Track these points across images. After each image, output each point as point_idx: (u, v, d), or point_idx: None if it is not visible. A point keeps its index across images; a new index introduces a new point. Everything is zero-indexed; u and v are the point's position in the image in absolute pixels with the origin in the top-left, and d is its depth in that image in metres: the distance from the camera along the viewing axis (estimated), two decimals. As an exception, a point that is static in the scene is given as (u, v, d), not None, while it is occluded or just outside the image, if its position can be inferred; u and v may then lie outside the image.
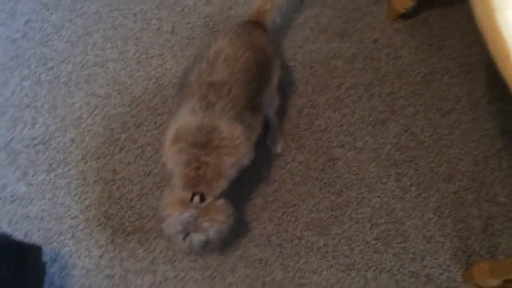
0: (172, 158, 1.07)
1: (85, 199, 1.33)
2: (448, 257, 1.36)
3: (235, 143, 1.05)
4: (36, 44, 1.52)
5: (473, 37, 1.59)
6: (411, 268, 1.34)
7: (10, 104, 1.43)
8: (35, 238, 1.28)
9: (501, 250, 1.36)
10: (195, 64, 1.13)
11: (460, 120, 1.50)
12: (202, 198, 1.04)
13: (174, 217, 1.02)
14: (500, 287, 1.25)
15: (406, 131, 1.47)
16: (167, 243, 1.32)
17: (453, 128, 1.49)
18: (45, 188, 1.33)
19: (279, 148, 1.42)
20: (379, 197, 1.40)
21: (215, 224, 1.03)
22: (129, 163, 1.38)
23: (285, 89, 1.48)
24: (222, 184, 1.06)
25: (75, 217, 1.31)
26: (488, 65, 1.55)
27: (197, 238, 1.03)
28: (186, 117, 1.05)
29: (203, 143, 1.03)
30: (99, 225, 1.31)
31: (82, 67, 1.49)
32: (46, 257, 1.25)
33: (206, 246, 1.06)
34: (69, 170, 1.36)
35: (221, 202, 1.06)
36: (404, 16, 1.59)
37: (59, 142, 1.39)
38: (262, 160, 1.37)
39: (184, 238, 1.03)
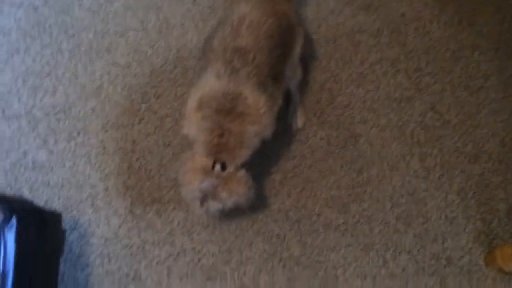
0: (195, 125, 1.05)
1: (104, 169, 1.33)
2: (470, 240, 1.33)
3: (260, 112, 1.03)
4: (57, 12, 1.50)
5: (505, 13, 1.52)
6: (432, 250, 1.32)
7: (31, 72, 1.42)
8: (55, 205, 1.29)
9: (526, 234, 1.32)
10: (218, 29, 1.10)
11: (488, 99, 1.44)
12: (223, 167, 1.02)
13: (194, 185, 1.01)
14: (524, 271, 1.23)
15: (432, 109, 1.43)
16: (185, 215, 1.31)
17: (481, 107, 1.44)
18: (66, 156, 1.34)
19: (300, 123, 1.39)
20: (401, 176, 1.37)
21: (233, 195, 1.02)
22: (148, 134, 1.37)
23: (308, 62, 1.44)
24: (244, 154, 1.04)
25: (94, 186, 1.32)
26: (521, 43, 1.49)
27: (214, 206, 1.03)
28: (211, 83, 1.03)
29: (227, 109, 1.01)
30: (118, 195, 1.32)
31: (103, 35, 1.47)
32: (65, 225, 1.26)
33: (222, 213, 1.06)
34: (89, 139, 1.35)
35: (242, 173, 1.04)
36: (434, -10, 1.53)
37: (80, 111, 1.38)
38: (282, 135, 1.35)
39: (202, 204, 1.03)
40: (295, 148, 1.39)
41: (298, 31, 1.21)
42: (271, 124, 1.09)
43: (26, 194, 1.29)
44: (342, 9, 1.52)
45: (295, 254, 1.31)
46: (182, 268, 1.28)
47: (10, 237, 0.94)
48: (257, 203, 1.30)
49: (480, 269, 1.31)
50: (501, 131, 1.41)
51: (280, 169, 1.37)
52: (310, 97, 1.43)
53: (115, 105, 1.39)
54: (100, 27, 1.48)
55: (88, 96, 1.40)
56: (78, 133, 1.36)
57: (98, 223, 1.29)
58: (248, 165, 1.08)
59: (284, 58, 1.14)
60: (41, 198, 1.29)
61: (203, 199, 1.03)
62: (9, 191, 1.28)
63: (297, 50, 1.21)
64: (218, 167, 1.02)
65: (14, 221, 0.95)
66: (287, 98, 1.31)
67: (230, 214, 1.24)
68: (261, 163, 1.31)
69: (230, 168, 1.03)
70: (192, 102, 1.06)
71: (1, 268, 0.91)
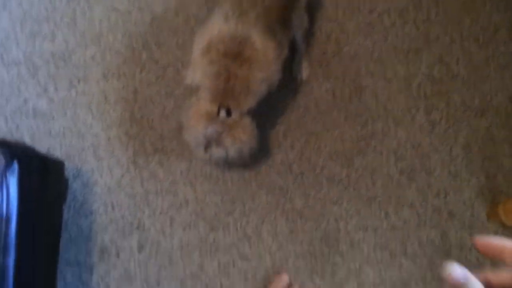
0: (201, 70, 1.03)
1: (106, 118, 1.31)
2: (473, 195, 1.33)
3: (268, 58, 1.00)
4: (53, -45, 1.44)
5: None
6: (434, 204, 1.32)
7: (28, 17, 1.37)
8: (57, 154, 1.28)
9: (529, 189, 1.32)
10: None
11: (498, 52, 1.41)
12: (229, 113, 1.01)
13: (198, 130, 1.00)
14: (525, 224, 1.23)
15: (440, 62, 1.39)
16: (188, 166, 1.31)
17: (490, 61, 1.40)
18: (66, 104, 1.31)
19: (305, 75, 1.36)
20: (406, 130, 1.35)
21: (237, 142, 1.01)
22: (150, 84, 1.34)
23: (314, 11, 1.39)
24: (250, 100, 1.02)
25: (96, 135, 1.30)
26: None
27: (217, 153, 1.02)
28: (219, 25, 1.00)
29: (235, 53, 0.98)
30: (120, 145, 1.30)
31: (102, -19, 1.42)
32: (68, 174, 1.25)
33: (225, 162, 1.05)
34: (90, 87, 1.33)
35: (247, 120, 1.03)
36: None
37: (79, 58, 1.34)
38: (286, 87, 1.32)
39: (205, 150, 1.02)
40: (299, 100, 1.36)
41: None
42: (279, 71, 1.06)
43: (28, 142, 1.27)
44: (351, -44, 1.46)
45: (297, 206, 1.31)
46: (185, 218, 1.29)
47: (13, 181, 0.92)
48: (260, 155, 1.30)
49: (482, 224, 1.31)
50: (510, 85, 1.39)
51: (283, 121, 1.35)
52: (316, 48, 1.39)
53: (115, 54, 1.35)
54: (99, -28, 1.43)
55: (88, 43, 1.36)
56: (79, 81, 1.33)
57: (101, 172, 1.29)
58: (253, 114, 1.06)
59: (292, 4, 1.10)
60: (43, 147, 1.27)
61: (207, 145, 1.01)
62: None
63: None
64: (223, 113, 1.01)
65: (16, 166, 0.94)
66: (293, 49, 1.27)
67: (233, 165, 1.24)
68: (265, 114, 1.29)
69: (235, 115, 1.02)
70: (198, 45, 1.03)
71: (4, 212, 0.90)
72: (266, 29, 0.99)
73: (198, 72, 1.03)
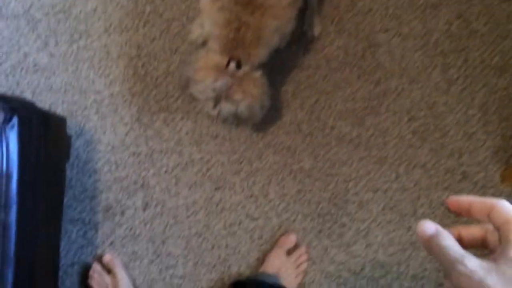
0: (210, 17, 0.97)
1: (109, 74, 1.27)
2: (488, 156, 1.28)
3: (282, 3, 0.94)
4: None
5: None
6: (447, 165, 1.28)
7: (26, -32, 1.31)
8: (59, 111, 1.25)
9: (547, 151, 1.27)
10: None
11: (522, 8, 1.33)
12: (239, 65, 0.95)
13: (207, 83, 0.95)
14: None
15: (459, 18, 1.32)
16: (193, 125, 1.27)
17: (511, 17, 1.32)
18: (68, 60, 1.27)
19: (316, 31, 1.30)
20: (421, 88, 1.30)
21: (248, 97, 0.96)
22: (154, 39, 1.29)
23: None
24: (261, 52, 0.97)
25: (99, 91, 1.26)
26: None
27: (226, 108, 0.97)
28: None
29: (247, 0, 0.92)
30: (124, 102, 1.26)
31: None
32: (71, 131, 1.23)
33: (235, 119, 1.00)
34: (91, 42, 1.28)
35: (258, 74, 0.98)
36: None
37: (80, 11, 1.29)
38: (296, 44, 1.26)
39: (214, 106, 0.97)
40: (310, 57, 1.31)
41: None
42: (292, 20, 1.00)
43: (29, 98, 1.24)
44: None
45: (306, 167, 1.28)
46: (191, 177, 1.26)
47: (12, 137, 0.89)
48: (268, 115, 1.25)
49: (495, 185, 1.28)
50: (532, 43, 1.31)
51: (293, 79, 1.30)
52: (328, 3, 1.32)
53: (117, 6, 1.29)
54: None
55: (89, -5, 1.30)
56: (80, 36, 1.28)
57: (104, 130, 1.25)
58: (264, 67, 1.01)
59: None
60: (44, 103, 1.24)
61: (216, 100, 0.97)
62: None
63: None
64: (233, 65, 0.95)
65: (15, 121, 0.91)
66: (305, 3, 1.20)
67: (243, 123, 1.20)
68: (273, 73, 1.24)
69: (245, 67, 0.96)
70: None
71: (5, 168, 0.88)
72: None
73: (207, 21, 0.98)
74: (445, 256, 0.37)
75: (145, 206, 1.25)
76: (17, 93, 1.23)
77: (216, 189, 1.26)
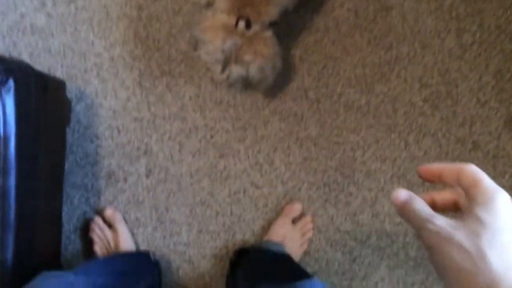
0: None
1: (109, 36, 1.22)
2: (500, 125, 1.24)
3: None
4: None
5: None
6: (458, 134, 1.24)
7: None
8: (58, 74, 1.20)
9: (562, 121, 1.23)
10: None
11: (543, -31, 1.26)
12: (248, 25, 0.90)
13: (216, 44, 0.90)
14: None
15: (476, -20, 1.25)
16: (197, 91, 1.23)
17: (532, -20, 1.26)
18: (66, 21, 1.21)
19: (325, -8, 1.24)
20: (433, 54, 1.25)
21: (258, 58, 0.91)
22: (156, -1, 1.23)
23: None
24: (271, 11, 0.91)
25: (99, 54, 1.21)
26: None
27: (236, 71, 0.92)
28: None
29: None
30: (124, 66, 1.22)
31: None
32: (71, 95, 1.19)
33: (245, 84, 0.96)
34: (90, 2, 1.22)
35: (268, 33, 0.92)
36: None
37: (78, -31, 1.23)
38: (303, 6, 1.20)
39: (223, 69, 0.93)
40: (318, 20, 1.25)
41: None
42: None
43: (27, 61, 1.19)
44: None
45: (312, 134, 1.24)
46: (194, 144, 1.23)
47: (9, 99, 0.86)
48: (275, 81, 1.21)
49: (506, 155, 1.24)
50: (552, 7, 1.25)
51: (300, 44, 1.25)
52: (339, -38, 1.26)
53: (117, -36, 1.23)
54: None
55: (87, -48, 1.23)
56: (78, -5, 1.22)
57: (105, 95, 1.22)
58: (274, 28, 0.96)
59: None
60: (43, 66, 1.20)
61: (225, 62, 0.92)
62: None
63: None
64: (242, 24, 0.90)
65: (12, 83, 0.87)
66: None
67: (254, 88, 1.15)
68: (280, 36, 1.18)
69: (255, 27, 0.91)
70: None
71: (2, 132, 0.85)
72: None
73: None
74: (416, 217, 0.39)
75: (148, 173, 1.22)
76: (14, 55, 1.19)
77: (220, 156, 1.23)
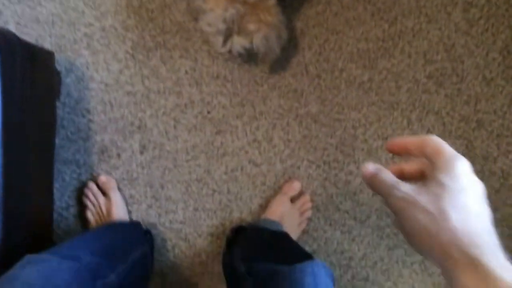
0: None
1: (100, 5, 1.16)
2: (506, 103, 1.21)
3: None
4: None
5: None
6: (462, 112, 1.21)
7: None
8: (46, 44, 1.15)
9: None
10: None
11: None
12: None
13: (217, 13, 0.85)
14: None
15: (486, -49, 1.20)
16: (193, 64, 1.18)
17: (544, -48, 1.21)
18: (54, -13, 1.15)
19: (328, -38, 1.18)
20: (439, 29, 1.20)
21: (263, 27, 0.86)
22: (150, -34, 1.17)
23: None
24: None
25: (90, 24, 1.15)
26: None
27: (239, 43, 0.87)
28: None
29: None
30: (117, 37, 1.16)
31: None
32: (60, 66, 1.13)
33: (248, 57, 0.90)
34: (80, -32, 1.15)
35: (272, 1, 0.87)
36: None
37: None
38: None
39: (225, 41, 0.87)
40: (320, -9, 1.20)
41: None
42: None
43: (13, 30, 1.13)
44: None
45: (312, 111, 1.20)
46: (190, 120, 1.19)
47: (-6, 70, 0.81)
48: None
49: (511, 134, 1.21)
50: None
51: (301, 16, 1.19)
52: None
53: None
54: None
55: None
56: (68, -39, 1.15)
57: (96, 67, 1.16)
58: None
59: None
60: (31, 35, 1.14)
61: (227, 33, 0.86)
62: (-7, 26, 1.13)
63: None
64: None
65: (-4, 52, 0.81)
66: None
67: (259, 61, 1.10)
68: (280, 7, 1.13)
69: None
70: None
71: (-13, 102, 0.80)
72: None
73: None
74: (383, 186, 0.43)
75: (143, 149, 1.18)
76: (0, 24, 1.13)
77: (217, 132, 1.19)
